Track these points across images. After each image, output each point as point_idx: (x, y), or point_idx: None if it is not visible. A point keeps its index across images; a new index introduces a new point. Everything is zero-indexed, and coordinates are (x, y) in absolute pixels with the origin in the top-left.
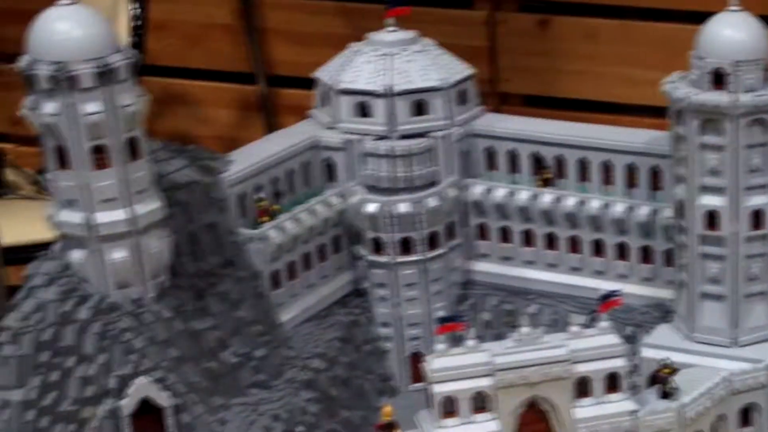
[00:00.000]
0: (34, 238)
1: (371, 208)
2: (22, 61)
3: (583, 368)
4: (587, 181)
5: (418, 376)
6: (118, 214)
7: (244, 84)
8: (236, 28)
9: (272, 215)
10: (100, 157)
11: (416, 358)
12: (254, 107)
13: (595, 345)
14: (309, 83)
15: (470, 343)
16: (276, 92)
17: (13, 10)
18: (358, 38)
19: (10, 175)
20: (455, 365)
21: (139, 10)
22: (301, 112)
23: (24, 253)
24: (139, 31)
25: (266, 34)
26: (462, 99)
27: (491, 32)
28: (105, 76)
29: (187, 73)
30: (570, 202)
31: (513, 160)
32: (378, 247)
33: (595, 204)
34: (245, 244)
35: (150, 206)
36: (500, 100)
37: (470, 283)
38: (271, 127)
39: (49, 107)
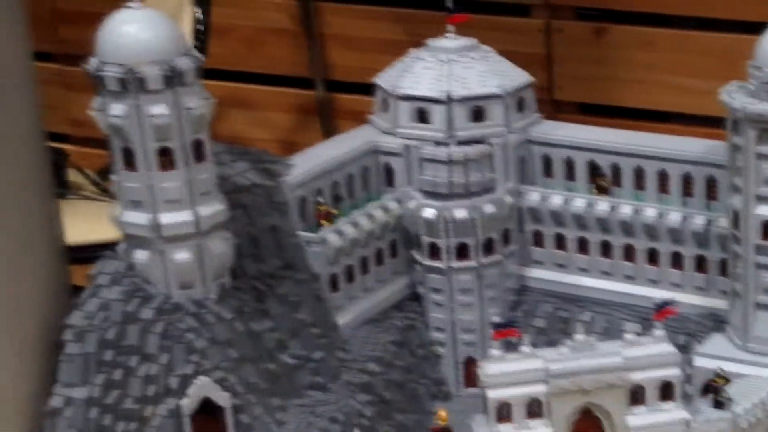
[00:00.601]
0: (96, 238)
1: (428, 213)
2: (91, 63)
3: (637, 376)
4: (643, 190)
5: (471, 381)
6: (183, 216)
7: (302, 89)
8: (296, 33)
9: (331, 219)
10: (165, 158)
11: (470, 364)
12: (312, 111)
13: (650, 353)
14: (366, 88)
15: (525, 349)
16: (333, 97)
17: (74, 11)
18: (416, 44)
19: (72, 175)
20: (510, 371)
21: (201, 15)
22: (357, 117)
23: (86, 253)
24: (201, 35)
25: (325, 40)
26: (520, 106)
27: (547, 40)
28: (172, 78)
29: (246, 77)
30: (625, 210)
31: (569, 167)
32: (434, 252)
33: (650, 213)
34: (305, 247)
35: (213, 208)
36: (555, 108)
37: (524, 290)
38: (328, 131)
39: (117, 109)
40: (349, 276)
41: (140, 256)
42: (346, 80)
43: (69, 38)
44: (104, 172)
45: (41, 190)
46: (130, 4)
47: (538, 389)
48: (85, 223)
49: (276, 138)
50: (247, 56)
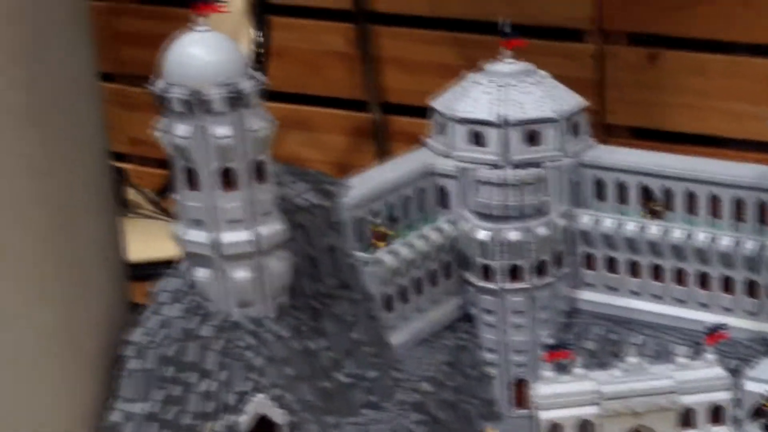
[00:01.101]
0: (153, 256)
1: (482, 235)
2: (156, 85)
3: (688, 400)
4: (694, 214)
5: (521, 402)
6: (243, 235)
7: (357, 111)
8: (352, 56)
9: (387, 240)
10: (227, 179)
11: (520, 385)
12: (366, 134)
13: (701, 377)
14: (420, 111)
15: (577, 371)
16: (388, 119)
17: (135, 33)
18: (470, 68)
19: (131, 194)
20: (562, 392)
21: (260, 37)
22: (411, 140)
23: (142, 270)
24: (260, 57)
25: (381, 63)
26: (574, 130)
27: (600, 65)
28: (236, 101)
29: (302, 99)
30: (677, 234)
31: (621, 191)
32: (487, 273)
33: (701, 237)
34: (360, 267)
35: (273, 228)
36: (606, 132)
37: (575, 312)
38: (383, 153)
39: (181, 130)
40: (403, 296)
41: (201, 274)
42: (400, 103)
43: (129, 59)
44: (162, 191)
45: (106, 208)
46: (196, 26)
47: (589, 411)
48: (142, 241)
49: (331, 159)
50: (304, 79)
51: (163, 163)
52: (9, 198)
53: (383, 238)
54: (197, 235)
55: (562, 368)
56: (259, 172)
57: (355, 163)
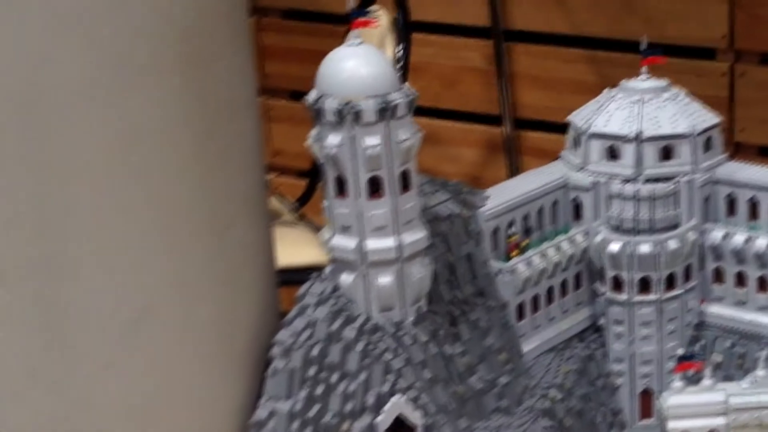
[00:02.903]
0: (294, 263)
1: (613, 247)
2: (310, 96)
3: None
4: None
5: (646, 412)
6: (388, 242)
7: (490, 125)
8: (488, 71)
9: (522, 250)
10: (374, 187)
11: (646, 395)
12: (498, 148)
13: None
14: (552, 127)
15: (707, 382)
16: (520, 134)
17: (278, 47)
18: (603, 86)
19: (274, 202)
20: (691, 403)
21: (402, 52)
22: (543, 155)
23: (284, 276)
24: (401, 71)
25: (515, 79)
26: (707, 146)
27: (731, 83)
28: (386, 112)
29: (438, 113)
30: None
31: (753, 207)
32: (617, 285)
33: None
34: (495, 275)
35: (416, 236)
36: (735, 150)
37: (703, 325)
38: (513, 167)
39: (334, 139)
40: (535, 305)
41: (345, 278)
42: (533, 118)
43: (272, 73)
44: (302, 200)
45: (260, 215)
46: (350, 41)
47: (717, 422)
48: (283, 248)
49: (463, 172)
50: (441, 94)
51: (303, 173)
52: (172, 202)
53: (518, 247)
54: (344, 241)
55: (690, 379)
56: (404, 182)
57: (487, 177)
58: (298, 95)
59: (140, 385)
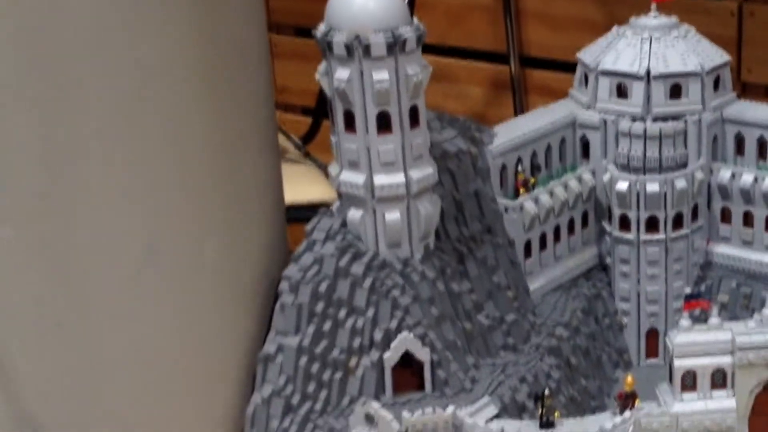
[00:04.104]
0: (300, 200)
1: (621, 186)
2: (319, 30)
3: None
4: None
5: (652, 351)
6: (396, 178)
7: (497, 63)
8: (495, 9)
9: (529, 188)
10: (383, 122)
11: (652, 334)
12: (505, 86)
13: None
14: (558, 65)
15: (714, 320)
16: (527, 72)
17: None
18: (611, 24)
19: (279, 139)
20: (698, 341)
21: None
22: (549, 93)
23: (290, 213)
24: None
25: (523, 16)
26: (716, 85)
27: (739, 23)
28: (395, 46)
29: (445, 51)
30: None
31: (761, 147)
32: (624, 224)
33: None
34: (503, 213)
35: (424, 172)
36: (742, 90)
37: (710, 265)
38: (520, 106)
39: (342, 73)
40: (542, 243)
41: (353, 214)
42: (540, 56)
43: (277, 8)
44: (306, 138)
45: (269, 151)
46: None
47: (724, 360)
48: (289, 185)
49: (469, 110)
50: (448, 31)
51: (308, 111)
52: (180, 139)
53: (526, 185)
54: (352, 177)
55: (697, 318)
56: (413, 117)
57: (493, 115)
58: (303, 31)
59: (148, 325)
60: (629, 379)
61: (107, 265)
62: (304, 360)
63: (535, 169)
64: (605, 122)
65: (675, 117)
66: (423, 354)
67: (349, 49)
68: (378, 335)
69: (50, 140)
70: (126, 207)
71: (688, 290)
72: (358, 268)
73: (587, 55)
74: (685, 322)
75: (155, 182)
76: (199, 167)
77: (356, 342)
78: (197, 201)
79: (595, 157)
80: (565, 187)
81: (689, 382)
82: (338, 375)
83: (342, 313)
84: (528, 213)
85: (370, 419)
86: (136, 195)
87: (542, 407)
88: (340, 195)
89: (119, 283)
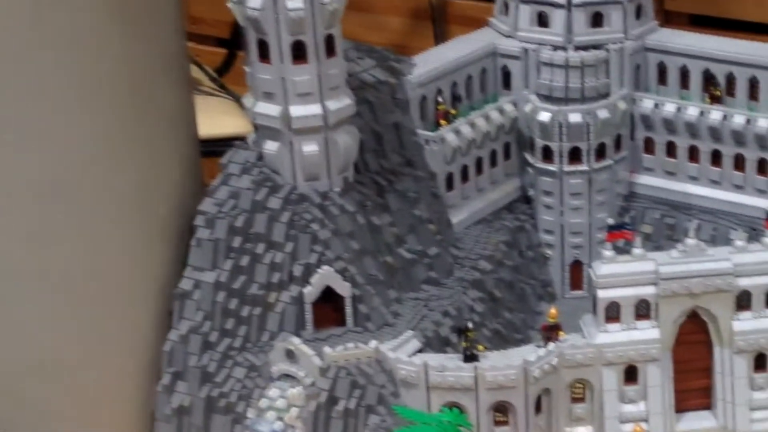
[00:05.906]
0: (215, 133)
1: (543, 116)
2: None
3: (745, 282)
4: (756, 101)
5: (576, 283)
6: (313, 109)
7: None
8: None
9: (450, 119)
10: (298, 52)
11: (576, 266)
12: (425, 16)
13: (758, 260)
14: None
15: (637, 251)
16: (447, 1)
17: None
18: None
19: (193, 71)
20: (621, 272)
21: None
22: (470, 23)
23: (205, 146)
24: None
25: None
26: (638, 13)
27: None
28: None
29: None
30: (738, 120)
31: (684, 76)
32: (547, 155)
33: (762, 123)
34: (424, 145)
35: (342, 103)
36: (666, 19)
37: (633, 196)
38: (440, 36)
39: (255, 2)
40: (464, 176)
41: (270, 146)
42: None
43: None
44: (221, 69)
45: (180, 84)
46: None
47: (647, 291)
48: (203, 118)
49: (389, 41)
50: None
51: (223, 42)
52: (89, 69)
53: (446, 117)
54: (267, 108)
55: (621, 249)
56: (329, 46)
57: (413, 46)
58: None
59: (57, 260)
60: (553, 311)
61: (19, 194)
62: (221, 296)
63: (455, 100)
64: (526, 51)
65: (596, 46)
66: (344, 289)
67: None
68: (297, 270)
69: None
70: (28, 143)
71: (611, 221)
72: (275, 202)
73: None
74: (608, 252)
75: (60, 117)
76: (107, 101)
77: (275, 277)
78: (106, 135)
79: (517, 88)
80: (487, 118)
81: (613, 313)
82: (257, 311)
83: (260, 248)
84: (449, 145)
85: (290, 355)
86: (39, 130)
87: (466, 341)
88: (255, 127)
89: (31, 213)
